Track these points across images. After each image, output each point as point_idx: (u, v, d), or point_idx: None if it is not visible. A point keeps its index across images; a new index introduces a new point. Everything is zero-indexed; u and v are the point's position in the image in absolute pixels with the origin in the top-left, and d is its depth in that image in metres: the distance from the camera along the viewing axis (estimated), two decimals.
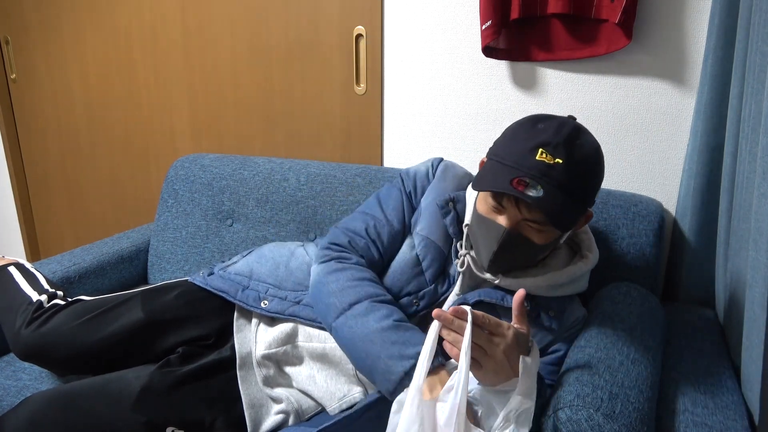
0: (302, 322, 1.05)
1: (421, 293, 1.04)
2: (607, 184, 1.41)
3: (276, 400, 1.00)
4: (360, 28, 1.58)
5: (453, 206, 1.07)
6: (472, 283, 1.05)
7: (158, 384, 0.97)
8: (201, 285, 1.13)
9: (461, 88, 1.50)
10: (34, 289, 1.21)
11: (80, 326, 1.08)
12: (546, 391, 0.88)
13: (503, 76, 1.45)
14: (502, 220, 0.93)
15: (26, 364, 1.20)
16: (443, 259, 1.06)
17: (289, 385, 1.02)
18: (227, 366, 1.02)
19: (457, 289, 1.04)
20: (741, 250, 1.02)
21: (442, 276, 1.06)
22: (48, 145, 2.19)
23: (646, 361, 0.93)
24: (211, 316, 1.09)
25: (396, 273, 1.06)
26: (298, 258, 1.17)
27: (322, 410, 1.00)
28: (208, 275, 1.16)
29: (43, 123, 2.17)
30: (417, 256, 1.06)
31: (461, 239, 1.05)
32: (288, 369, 1.04)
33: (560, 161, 0.88)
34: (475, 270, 1.02)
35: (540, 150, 0.89)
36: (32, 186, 2.31)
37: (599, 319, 1.04)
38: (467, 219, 1.05)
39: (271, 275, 1.14)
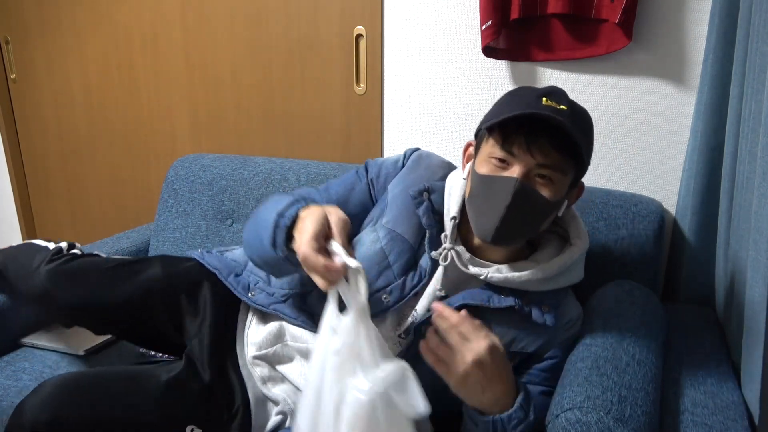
0: (286, 320, 1.04)
1: (390, 288, 0.99)
2: (607, 184, 1.41)
3: (274, 401, 1.00)
4: (360, 28, 1.57)
5: (428, 196, 1.01)
6: (455, 279, 0.99)
7: (184, 380, 0.97)
8: (198, 258, 1.15)
9: (461, 88, 1.50)
10: (52, 242, 1.25)
11: (100, 272, 1.10)
12: (532, 412, 0.84)
13: (503, 76, 1.45)
14: (513, 170, 0.88)
15: (26, 364, 1.20)
16: (412, 252, 1.01)
17: (283, 382, 1.02)
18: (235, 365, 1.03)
19: (438, 284, 0.99)
20: (741, 250, 1.02)
21: (413, 269, 1.00)
22: (48, 145, 2.19)
23: (651, 361, 0.92)
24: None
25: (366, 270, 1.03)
26: None
27: None
28: (206, 252, 1.18)
29: (43, 123, 2.17)
30: (382, 249, 1.01)
31: (436, 231, 1.00)
32: (280, 368, 1.03)
33: (565, 108, 0.87)
34: (459, 265, 0.97)
35: (544, 98, 0.87)
36: (32, 186, 2.31)
37: (603, 317, 1.04)
38: (453, 209, 0.99)
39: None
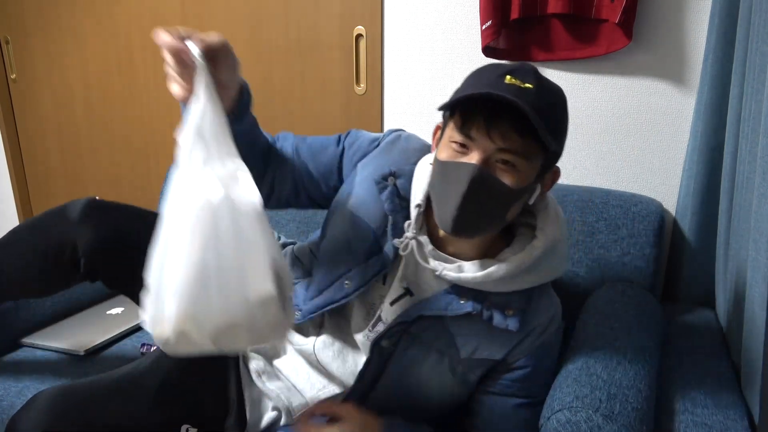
0: None
1: (351, 273, 0.95)
2: (607, 184, 1.41)
3: (268, 397, 1.01)
4: (360, 28, 1.58)
5: (393, 181, 0.95)
6: (415, 272, 0.95)
7: (176, 380, 0.97)
8: None
9: None
10: None
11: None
12: None
13: None
14: (472, 156, 0.81)
15: (26, 364, 1.21)
16: (375, 238, 0.95)
17: (278, 378, 1.03)
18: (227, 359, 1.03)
19: (399, 274, 0.95)
20: (741, 250, 1.02)
21: (376, 255, 0.95)
22: (48, 145, 2.19)
23: (644, 360, 0.93)
24: None
25: (327, 257, 1.00)
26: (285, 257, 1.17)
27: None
28: None
29: (43, 123, 2.17)
30: (346, 233, 0.97)
31: (401, 218, 0.94)
32: (275, 362, 1.04)
33: (530, 86, 0.79)
34: (418, 257, 0.91)
35: (508, 76, 0.80)
36: (32, 186, 2.31)
37: (595, 320, 1.04)
38: (418, 196, 0.92)
39: None
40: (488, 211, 0.84)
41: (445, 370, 0.93)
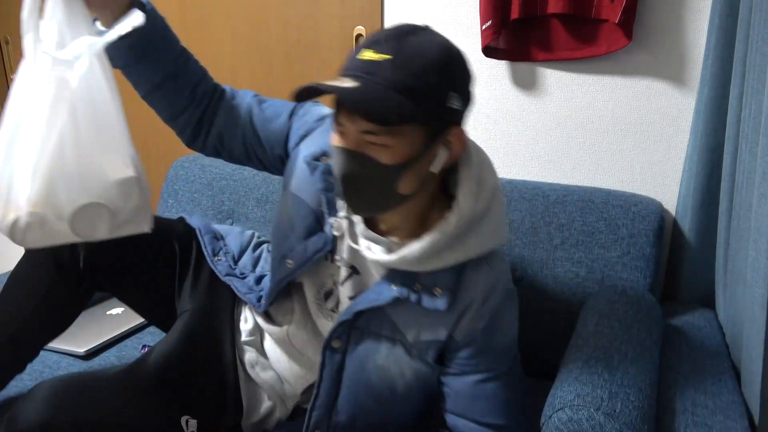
0: (235, 291, 1.07)
1: (292, 252, 0.96)
2: (607, 184, 1.41)
3: (262, 387, 1.02)
4: (360, 28, 1.57)
5: (326, 160, 0.93)
6: (350, 251, 0.94)
7: (174, 371, 0.98)
8: (185, 216, 1.20)
9: None
10: None
11: None
12: None
13: (503, 76, 1.45)
14: (344, 139, 0.81)
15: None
16: (314, 216, 0.95)
17: (271, 368, 1.04)
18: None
19: (345, 254, 0.94)
20: (741, 250, 1.02)
21: (319, 232, 0.95)
22: None
23: (644, 359, 0.93)
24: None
25: (274, 237, 1.02)
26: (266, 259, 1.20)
27: (305, 401, 1.01)
28: (191, 217, 1.22)
29: None
30: (288, 214, 0.98)
31: (333, 195, 0.93)
32: (266, 351, 1.06)
33: (389, 56, 0.76)
34: (347, 238, 0.91)
35: (364, 50, 0.78)
36: None
37: (596, 319, 1.04)
38: None
39: (236, 248, 1.18)
40: (372, 190, 0.82)
41: (401, 355, 0.90)
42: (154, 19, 0.93)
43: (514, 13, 1.32)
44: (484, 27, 1.34)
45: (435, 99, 0.78)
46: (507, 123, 1.47)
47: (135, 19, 0.79)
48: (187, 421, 0.95)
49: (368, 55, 0.77)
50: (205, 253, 1.11)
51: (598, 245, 1.24)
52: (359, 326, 0.91)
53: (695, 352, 1.07)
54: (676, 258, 1.35)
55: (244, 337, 1.05)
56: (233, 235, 1.21)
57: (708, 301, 1.30)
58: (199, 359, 1.01)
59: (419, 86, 0.76)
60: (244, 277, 1.10)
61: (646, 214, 1.24)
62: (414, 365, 0.91)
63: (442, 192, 0.90)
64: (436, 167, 0.83)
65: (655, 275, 1.24)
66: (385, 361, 0.91)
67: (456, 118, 0.82)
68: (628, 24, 1.26)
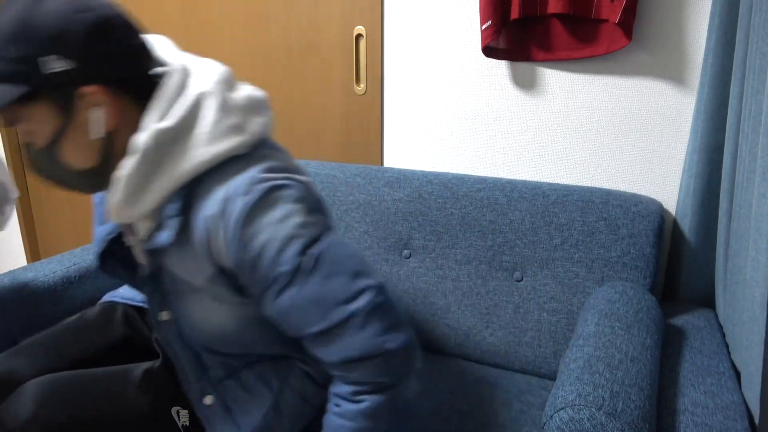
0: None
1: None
2: (607, 184, 1.41)
3: None
4: (360, 28, 1.58)
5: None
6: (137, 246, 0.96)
7: (161, 363, 0.98)
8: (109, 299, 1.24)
9: (461, 88, 1.50)
10: None
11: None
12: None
13: (503, 76, 1.45)
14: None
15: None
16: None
17: None
18: None
19: (139, 251, 0.95)
20: (741, 250, 1.02)
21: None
22: None
23: (645, 359, 0.93)
24: None
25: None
26: None
27: None
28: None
29: None
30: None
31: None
32: None
33: None
34: (131, 237, 0.96)
35: None
36: (32, 186, 2.31)
37: (596, 319, 1.04)
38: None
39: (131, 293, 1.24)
40: (53, 173, 0.83)
41: (208, 300, 0.86)
42: None
43: (514, 13, 1.32)
44: (484, 27, 1.34)
45: (24, 72, 0.73)
46: (507, 123, 1.47)
47: None
48: (177, 412, 0.95)
49: None
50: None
51: (598, 245, 1.24)
52: (165, 290, 0.88)
53: (695, 352, 1.07)
54: (676, 258, 1.35)
55: None
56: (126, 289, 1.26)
57: (708, 301, 1.30)
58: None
59: (13, 54, 0.72)
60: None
61: (646, 214, 1.24)
62: (223, 306, 0.87)
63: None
64: (98, 132, 0.79)
65: (655, 275, 1.24)
66: (202, 311, 0.87)
67: (77, 79, 0.75)
68: (628, 24, 1.26)
